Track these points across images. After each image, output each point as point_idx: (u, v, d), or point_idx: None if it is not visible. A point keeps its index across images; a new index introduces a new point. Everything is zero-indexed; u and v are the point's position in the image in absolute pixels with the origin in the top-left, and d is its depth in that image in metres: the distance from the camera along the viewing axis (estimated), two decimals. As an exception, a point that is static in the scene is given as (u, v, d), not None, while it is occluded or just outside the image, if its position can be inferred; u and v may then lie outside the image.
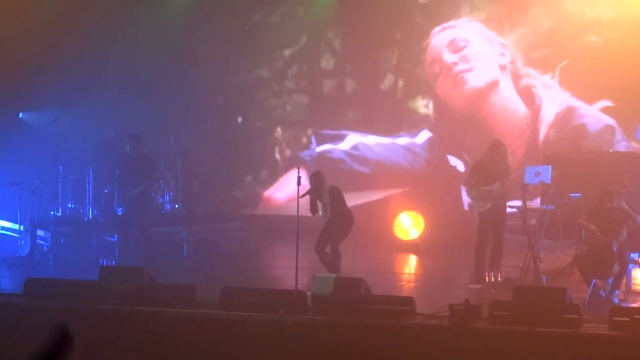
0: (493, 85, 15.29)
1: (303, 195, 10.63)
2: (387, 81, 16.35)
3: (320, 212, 11.10)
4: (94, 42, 15.43)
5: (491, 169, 11.37)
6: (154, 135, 15.21)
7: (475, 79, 15.37)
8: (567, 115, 14.83)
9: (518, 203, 11.57)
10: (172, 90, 16.35)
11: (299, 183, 10.50)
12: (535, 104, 15.03)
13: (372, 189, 15.88)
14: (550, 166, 11.82)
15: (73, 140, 15.04)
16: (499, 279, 11.11)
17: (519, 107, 15.18)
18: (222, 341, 9.20)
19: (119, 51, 15.49)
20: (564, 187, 11.93)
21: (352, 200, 12.27)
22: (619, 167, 12.55)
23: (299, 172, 10.47)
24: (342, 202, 11.20)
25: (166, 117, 16.11)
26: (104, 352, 9.22)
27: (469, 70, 15.40)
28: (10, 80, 14.75)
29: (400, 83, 16.29)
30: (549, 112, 14.92)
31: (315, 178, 11.16)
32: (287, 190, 16.42)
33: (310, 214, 11.10)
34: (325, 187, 11.11)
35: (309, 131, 16.78)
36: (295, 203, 10.47)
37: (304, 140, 16.82)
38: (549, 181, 11.55)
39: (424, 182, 15.54)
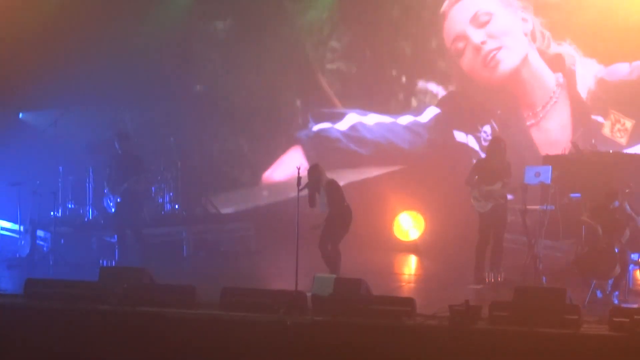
0: (525, 60, 15.23)
1: (302, 189, 10.63)
2: (395, 60, 16.17)
3: (318, 206, 11.09)
4: (94, 43, 15.41)
5: (492, 167, 11.35)
6: (154, 135, 15.18)
7: (508, 59, 15.26)
8: (610, 73, 14.78)
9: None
10: (172, 90, 16.33)
11: (298, 184, 10.48)
12: (568, 67, 14.98)
13: (370, 167, 15.78)
14: (551, 167, 11.79)
15: (73, 140, 15.02)
16: (499, 279, 11.12)
17: (547, 74, 15.14)
18: (222, 341, 9.20)
19: (119, 51, 15.46)
20: (564, 187, 11.92)
21: (349, 178, 12.02)
22: (620, 168, 12.52)
23: (299, 172, 10.45)
24: (341, 197, 11.16)
25: (166, 117, 16.09)
26: (104, 352, 9.24)
27: (499, 48, 15.27)
28: (10, 80, 14.74)
29: (407, 63, 16.14)
30: (584, 73, 14.94)
31: (312, 171, 11.13)
32: (285, 170, 16.36)
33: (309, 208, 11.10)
34: (323, 180, 11.10)
35: (306, 110, 16.56)
36: (291, 185, 10.38)
37: (301, 119, 16.59)
38: (549, 181, 11.52)
39: (427, 160, 15.46)
